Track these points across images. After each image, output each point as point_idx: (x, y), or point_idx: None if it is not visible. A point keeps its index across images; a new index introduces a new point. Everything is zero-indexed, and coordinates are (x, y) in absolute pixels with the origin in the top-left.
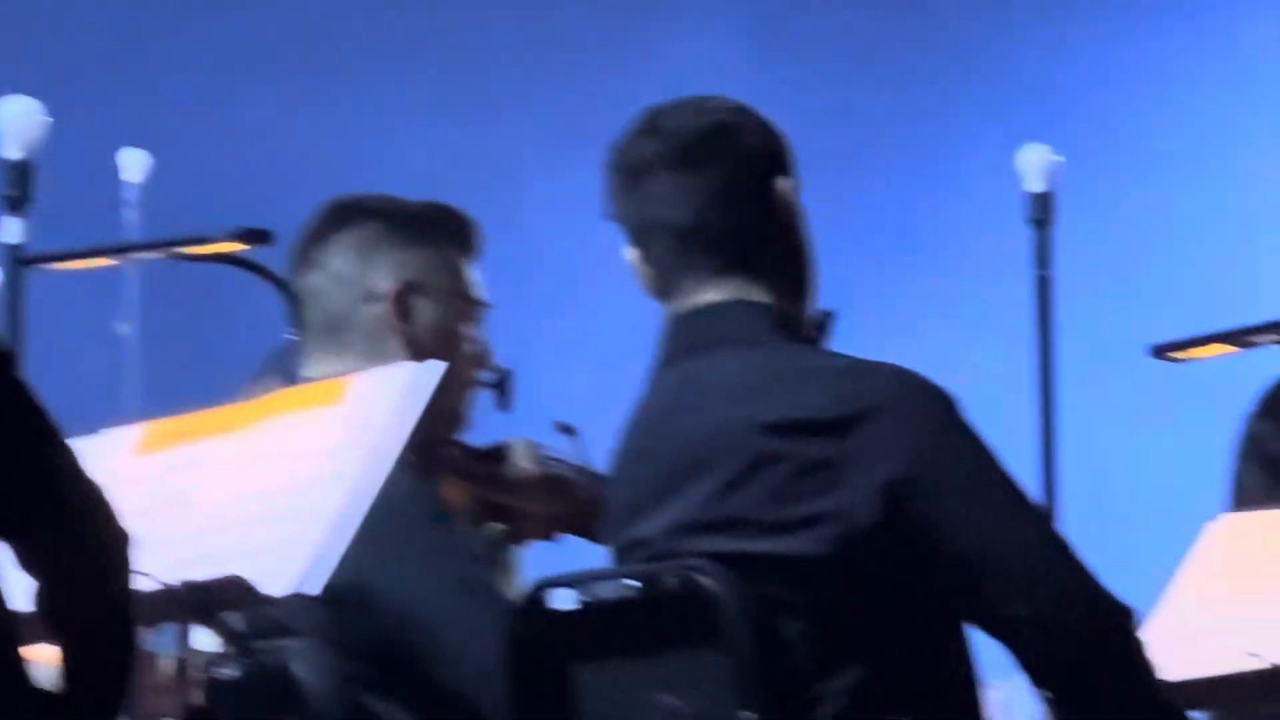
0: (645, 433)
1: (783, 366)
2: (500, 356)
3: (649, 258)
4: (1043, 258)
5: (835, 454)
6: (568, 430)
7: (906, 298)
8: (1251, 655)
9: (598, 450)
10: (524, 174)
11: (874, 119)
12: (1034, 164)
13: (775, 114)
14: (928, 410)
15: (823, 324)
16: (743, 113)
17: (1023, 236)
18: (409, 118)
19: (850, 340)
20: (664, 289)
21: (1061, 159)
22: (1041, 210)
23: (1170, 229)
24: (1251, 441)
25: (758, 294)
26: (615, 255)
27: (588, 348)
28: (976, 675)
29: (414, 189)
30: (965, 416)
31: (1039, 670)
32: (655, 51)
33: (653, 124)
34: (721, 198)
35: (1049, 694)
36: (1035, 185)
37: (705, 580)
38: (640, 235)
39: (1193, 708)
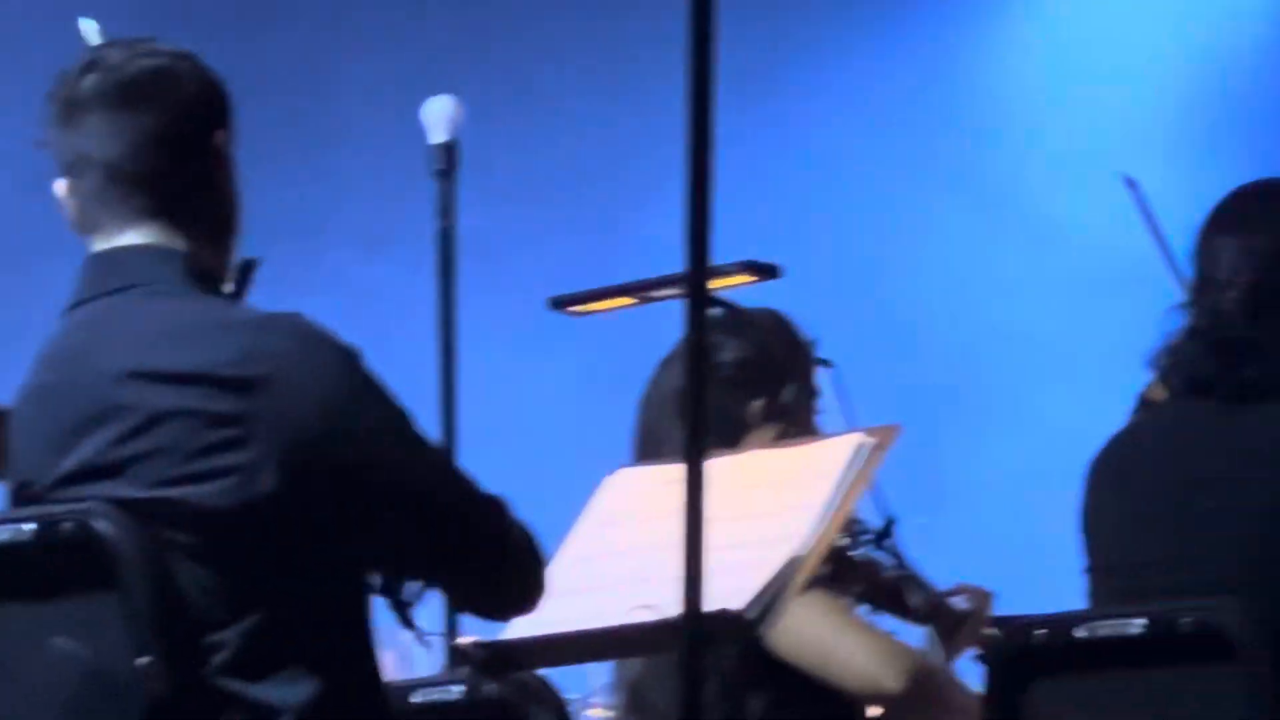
0: (52, 373)
1: (191, 317)
2: None
3: (77, 192)
4: (446, 209)
5: (241, 411)
6: None
7: (332, 243)
8: (645, 608)
9: None
10: None
11: (278, 70)
12: (438, 115)
13: None
14: (332, 369)
15: (245, 272)
16: (186, 59)
17: (428, 186)
18: None
19: (278, 283)
20: (88, 226)
21: (464, 110)
22: (445, 161)
23: (571, 183)
24: (678, 395)
25: (177, 241)
26: None
27: None
28: (372, 630)
29: None
30: (368, 371)
31: (460, 597)
32: None
33: (95, 60)
34: (154, 141)
35: (470, 613)
36: (439, 136)
37: (101, 524)
38: (71, 169)
39: (587, 659)
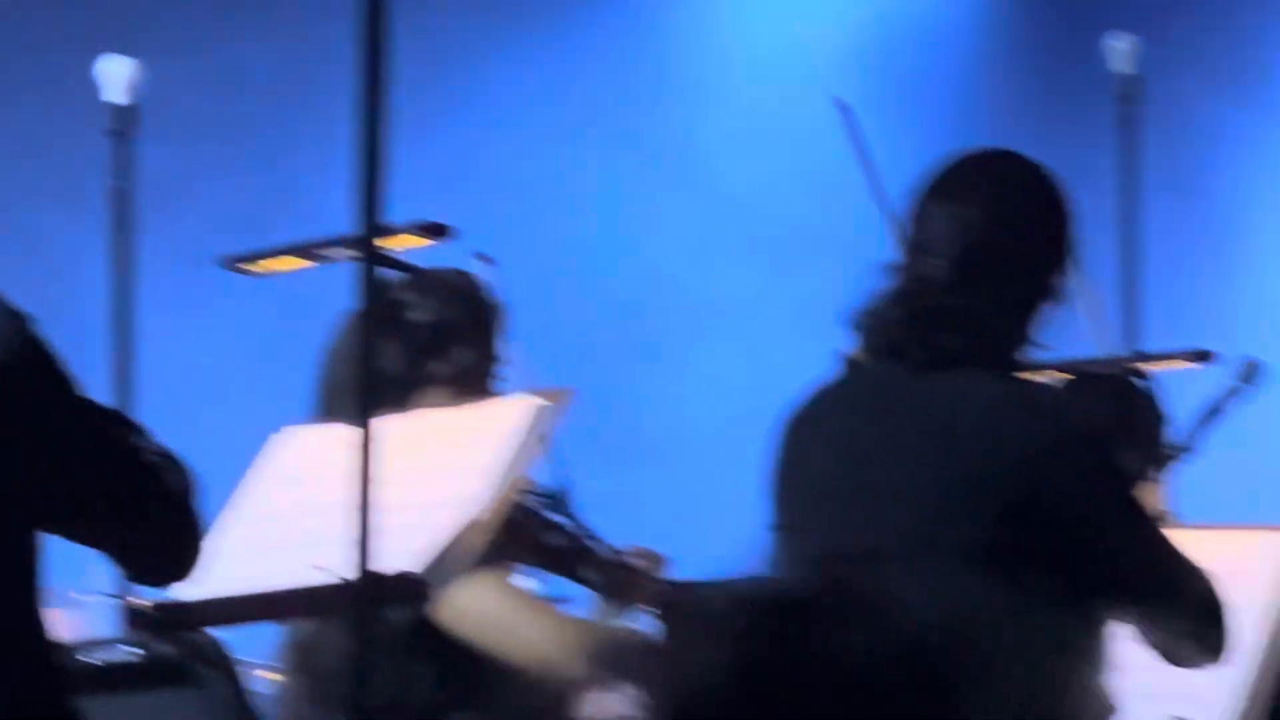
0: None
1: None
2: None
3: None
4: (122, 169)
5: None
6: None
7: (2, 200)
8: (318, 569)
9: None
10: None
11: None
12: (115, 75)
13: None
14: (3, 335)
15: None
16: None
17: (103, 144)
18: None
19: None
20: None
21: (141, 71)
22: (121, 121)
23: (248, 142)
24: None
25: None
26: None
27: None
28: (43, 592)
29: None
30: (40, 337)
31: (125, 560)
32: None
33: None
34: None
35: (134, 577)
36: (115, 96)
37: None
38: None
39: (260, 620)
